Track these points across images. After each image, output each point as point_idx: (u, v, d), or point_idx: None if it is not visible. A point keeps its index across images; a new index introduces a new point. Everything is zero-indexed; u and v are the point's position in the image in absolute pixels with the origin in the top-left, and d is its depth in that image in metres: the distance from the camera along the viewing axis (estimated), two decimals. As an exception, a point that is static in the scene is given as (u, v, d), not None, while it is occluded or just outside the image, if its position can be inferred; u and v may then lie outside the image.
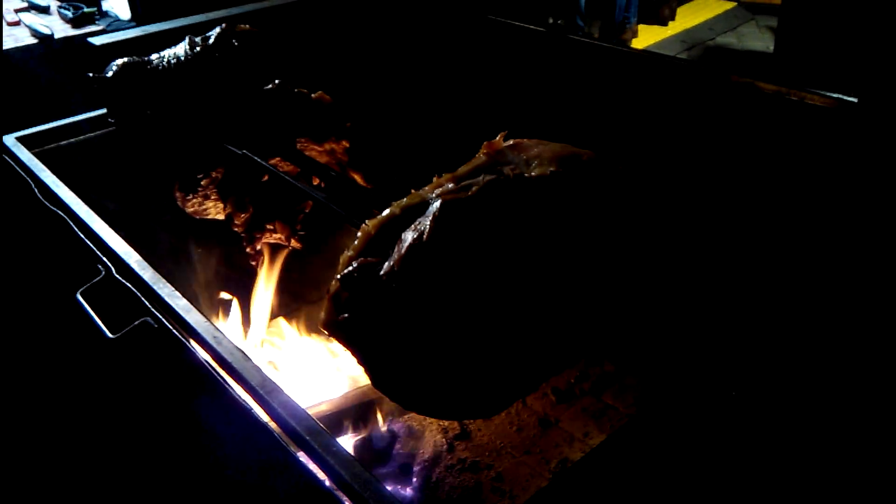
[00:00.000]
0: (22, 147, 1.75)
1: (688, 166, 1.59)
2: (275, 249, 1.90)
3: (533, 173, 1.00)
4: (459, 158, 1.07)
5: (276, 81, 1.72)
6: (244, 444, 1.18)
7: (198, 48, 1.70)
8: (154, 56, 1.72)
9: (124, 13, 3.63)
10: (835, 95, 1.39)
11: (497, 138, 1.07)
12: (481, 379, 0.99)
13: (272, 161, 1.62)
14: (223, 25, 1.75)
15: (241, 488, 1.35)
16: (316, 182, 1.66)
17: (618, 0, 6.04)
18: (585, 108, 1.82)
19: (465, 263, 0.95)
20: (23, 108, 2.27)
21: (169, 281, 1.30)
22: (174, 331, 1.22)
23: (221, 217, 1.74)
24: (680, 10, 7.03)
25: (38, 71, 3.20)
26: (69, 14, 3.44)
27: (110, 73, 1.67)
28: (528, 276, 0.97)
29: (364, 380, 1.13)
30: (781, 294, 1.44)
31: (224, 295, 2.06)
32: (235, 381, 1.10)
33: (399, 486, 1.73)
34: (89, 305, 1.32)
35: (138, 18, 3.50)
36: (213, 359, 1.14)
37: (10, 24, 3.38)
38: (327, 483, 0.96)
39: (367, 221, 1.04)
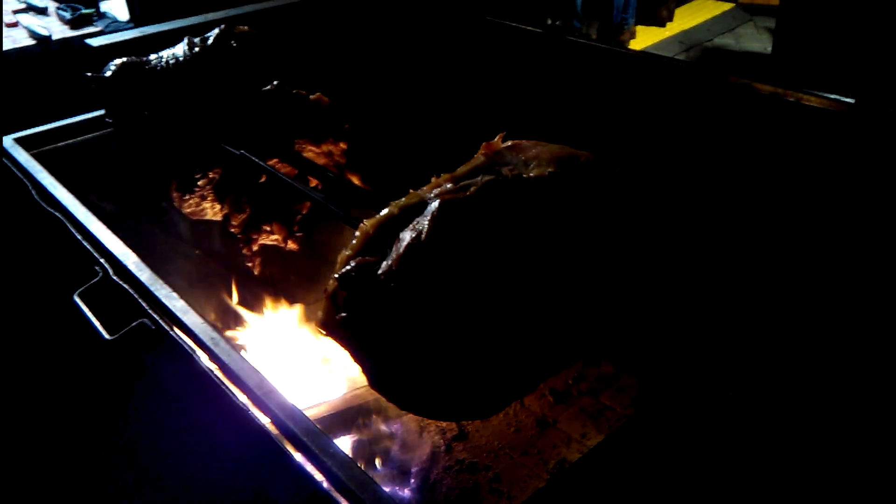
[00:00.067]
0: (20, 148, 1.74)
1: (685, 167, 1.59)
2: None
3: (531, 174, 1.00)
4: (458, 159, 1.08)
5: (275, 83, 1.72)
6: (241, 446, 1.18)
7: (196, 49, 1.70)
8: (152, 56, 1.72)
9: (122, 14, 3.63)
10: (832, 96, 1.40)
11: (496, 139, 1.08)
12: (479, 379, 0.99)
13: (270, 162, 1.62)
14: (222, 27, 1.75)
15: (238, 490, 1.35)
16: (314, 184, 1.66)
17: (615, 1, 6.05)
18: (584, 109, 1.82)
19: (464, 263, 0.95)
20: (20, 109, 2.27)
21: (166, 282, 1.30)
22: (171, 332, 1.22)
23: (219, 218, 1.74)
24: (678, 12, 7.04)
25: (35, 72, 3.20)
26: (67, 15, 3.43)
27: (108, 73, 1.67)
28: (526, 276, 0.97)
29: (361, 381, 1.12)
30: (778, 294, 1.45)
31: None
32: (233, 382, 1.10)
33: (397, 488, 1.73)
34: (87, 307, 1.32)
35: (136, 20, 3.50)
36: (211, 360, 1.14)
37: (7, 25, 3.38)
38: (325, 484, 0.96)
39: (365, 221, 1.04)
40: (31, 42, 3.25)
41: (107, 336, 1.26)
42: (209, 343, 1.15)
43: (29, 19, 3.42)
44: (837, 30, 3.25)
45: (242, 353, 1.15)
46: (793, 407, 1.35)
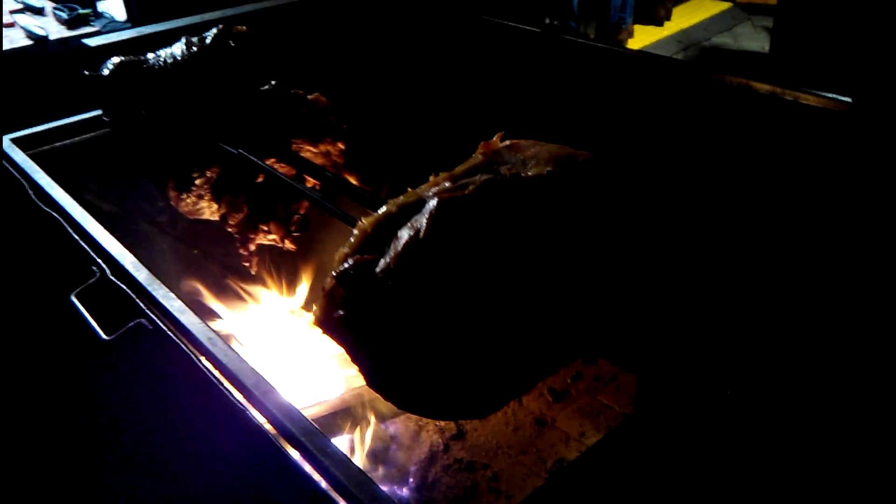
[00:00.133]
0: (17, 149, 1.74)
1: (683, 167, 1.59)
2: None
3: (529, 173, 1.00)
4: (456, 158, 1.07)
5: (273, 82, 1.72)
6: (239, 446, 1.18)
7: (194, 48, 1.70)
8: (150, 55, 1.71)
9: (120, 14, 3.63)
10: (830, 95, 1.40)
11: (494, 138, 1.07)
12: (477, 378, 0.99)
13: (267, 161, 1.62)
14: (220, 26, 1.75)
15: (236, 489, 1.35)
16: (311, 183, 1.65)
17: (613, 1, 6.05)
18: (582, 108, 1.82)
19: (462, 262, 0.94)
20: (18, 109, 2.27)
21: (163, 282, 1.29)
22: (169, 332, 1.21)
23: (216, 217, 1.74)
24: (676, 11, 7.05)
25: (33, 72, 3.20)
26: (64, 15, 3.43)
27: (106, 72, 1.67)
28: (525, 275, 0.97)
29: (359, 380, 1.12)
30: (776, 293, 1.45)
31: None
32: (230, 382, 1.10)
33: (395, 487, 1.73)
34: (84, 307, 1.32)
35: (134, 20, 3.49)
36: (208, 360, 1.14)
37: (4, 25, 3.37)
38: (323, 484, 0.96)
39: (363, 219, 1.04)
40: (28, 42, 3.24)
41: (104, 336, 1.25)
42: (206, 343, 1.15)
43: (26, 19, 3.42)
44: (835, 29, 3.26)
45: (240, 352, 1.14)
46: (791, 405, 1.35)
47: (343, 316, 0.97)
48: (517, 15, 2.02)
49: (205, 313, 1.96)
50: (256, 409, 1.05)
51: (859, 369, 1.32)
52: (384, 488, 1.13)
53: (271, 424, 1.03)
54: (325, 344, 1.05)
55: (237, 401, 1.08)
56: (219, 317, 2.04)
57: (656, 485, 1.26)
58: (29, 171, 1.63)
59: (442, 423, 1.88)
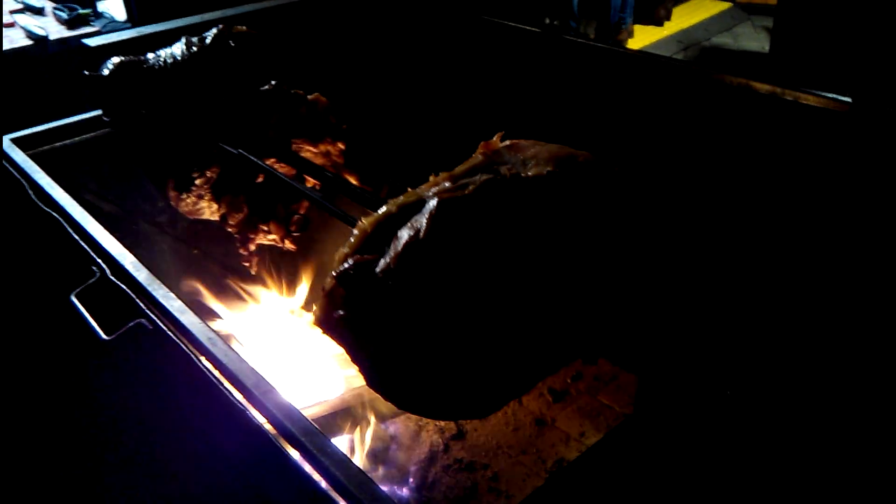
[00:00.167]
0: (17, 149, 1.74)
1: (683, 167, 1.59)
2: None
3: (529, 173, 1.00)
4: (456, 158, 1.07)
5: (273, 82, 1.72)
6: (239, 446, 1.18)
7: (194, 48, 1.70)
8: (150, 55, 1.71)
9: (120, 14, 3.63)
10: (830, 95, 1.40)
11: (494, 138, 1.07)
12: (477, 378, 0.99)
13: (267, 161, 1.62)
14: (220, 26, 1.75)
15: (236, 489, 1.35)
16: (311, 183, 1.65)
17: (613, 1, 6.06)
18: (581, 108, 1.82)
19: (462, 261, 0.94)
20: (18, 109, 2.27)
21: (163, 282, 1.29)
22: (169, 332, 1.21)
23: (216, 217, 1.74)
24: (676, 11, 7.05)
25: (33, 72, 3.20)
26: (64, 15, 3.43)
27: (106, 72, 1.67)
28: (524, 275, 0.97)
29: (359, 380, 1.12)
30: (776, 293, 1.45)
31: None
32: (230, 382, 1.10)
33: (395, 487, 1.73)
34: (84, 307, 1.32)
35: (134, 20, 3.49)
36: (208, 360, 1.14)
37: (4, 25, 3.37)
38: (323, 484, 0.96)
39: (363, 219, 1.04)
40: (28, 42, 3.24)
41: (104, 336, 1.25)
42: (206, 343, 1.15)
43: (26, 19, 3.42)
44: (835, 29, 3.26)
45: (240, 352, 1.15)
46: (791, 405, 1.35)
47: (343, 316, 0.97)
48: (517, 15, 2.02)
49: (205, 313, 1.97)
50: (256, 409, 1.05)
51: (859, 369, 1.32)
52: (384, 488, 1.13)
53: (271, 424, 1.03)
54: (325, 344, 1.05)
55: (237, 401, 1.08)
56: (219, 317, 2.04)
57: (656, 485, 1.26)
58: (29, 171, 1.63)
59: (442, 423, 1.88)
